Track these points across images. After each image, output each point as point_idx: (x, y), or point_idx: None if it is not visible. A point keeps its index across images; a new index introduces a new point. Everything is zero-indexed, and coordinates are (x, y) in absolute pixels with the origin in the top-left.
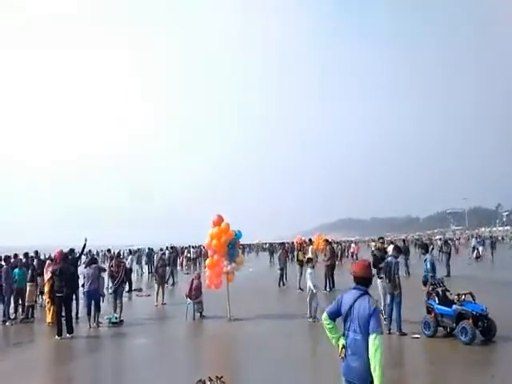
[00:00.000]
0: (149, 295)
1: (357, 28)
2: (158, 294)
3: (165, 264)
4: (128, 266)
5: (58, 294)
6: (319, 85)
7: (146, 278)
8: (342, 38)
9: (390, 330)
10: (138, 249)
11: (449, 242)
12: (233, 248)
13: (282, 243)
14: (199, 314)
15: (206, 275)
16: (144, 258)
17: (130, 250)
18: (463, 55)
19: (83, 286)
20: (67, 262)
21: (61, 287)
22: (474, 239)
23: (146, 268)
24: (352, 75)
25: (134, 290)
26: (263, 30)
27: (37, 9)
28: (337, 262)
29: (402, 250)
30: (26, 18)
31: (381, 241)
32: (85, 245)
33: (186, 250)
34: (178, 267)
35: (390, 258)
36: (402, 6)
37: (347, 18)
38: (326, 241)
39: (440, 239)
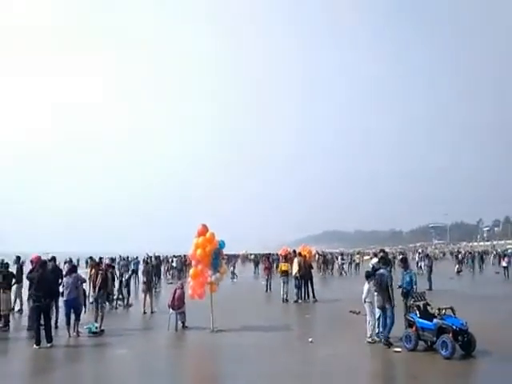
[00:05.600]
0: (131, 305)
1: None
2: (145, 302)
3: (151, 273)
4: (110, 274)
5: (36, 303)
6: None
7: (130, 287)
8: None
9: (381, 340)
10: (121, 256)
11: (430, 256)
12: (217, 258)
13: (267, 254)
14: (182, 325)
15: (190, 285)
16: (125, 268)
17: (111, 259)
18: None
19: (62, 294)
20: (46, 269)
21: (39, 296)
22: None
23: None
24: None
25: (117, 299)
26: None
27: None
28: (323, 274)
29: (389, 262)
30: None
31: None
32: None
33: (170, 260)
34: (162, 276)
35: (382, 270)
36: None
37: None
38: (299, 253)
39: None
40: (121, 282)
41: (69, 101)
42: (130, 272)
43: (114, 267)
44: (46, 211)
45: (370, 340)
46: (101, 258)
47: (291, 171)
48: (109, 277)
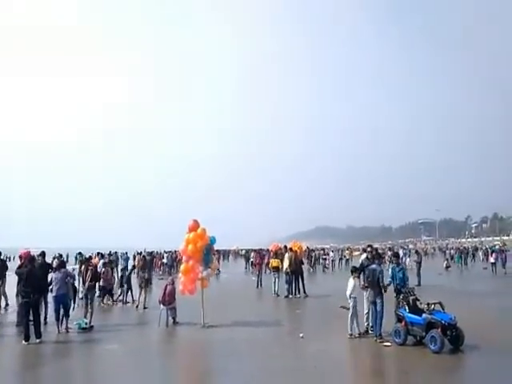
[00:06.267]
0: (121, 300)
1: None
2: (139, 297)
3: (146, 267)
4: (99, 270)
5: (25, 299)
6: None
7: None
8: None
9: (376, 335)
10: (110, 252)
11: (419, 251)
12: (208, 254)
13: (258, 250)
14: (172, 321)
15: (181, 281)
16: (119, 262)
17: (101, 254)
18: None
19: (51, 290)
20: (34, 264)
21: (27, 292)
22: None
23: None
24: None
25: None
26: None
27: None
28: (313, 270)
29: (380, 256)
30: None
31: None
32: None
33: (161, 255)
34: (153, 272)
35: (374, 266)
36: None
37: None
38: (290, 249)
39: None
40: (122, 277)
41: (68, 101)
42: (130, 267)
43: (112, 262)
44: (45, 211)
45: (350, 336)
46: (99, 253)
47: (293, 171)
48: (109, 273)
